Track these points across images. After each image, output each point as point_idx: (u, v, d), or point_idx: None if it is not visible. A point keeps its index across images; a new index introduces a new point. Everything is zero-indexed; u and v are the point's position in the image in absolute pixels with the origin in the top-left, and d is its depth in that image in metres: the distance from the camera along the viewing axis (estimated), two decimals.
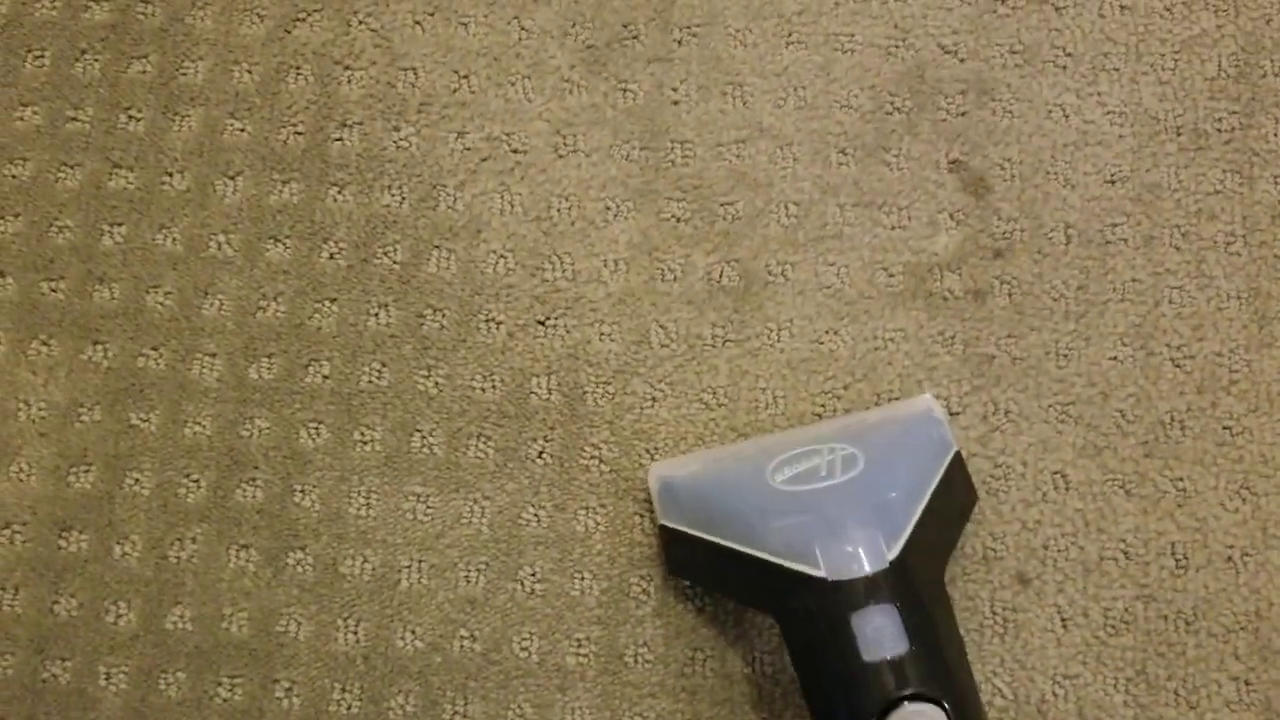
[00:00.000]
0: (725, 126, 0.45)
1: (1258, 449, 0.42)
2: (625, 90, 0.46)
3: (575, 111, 0.46)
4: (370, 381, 0.44)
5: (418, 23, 0.47)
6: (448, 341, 0.44)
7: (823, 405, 0.43)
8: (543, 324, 0.44)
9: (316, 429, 0.43)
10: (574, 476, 0.43)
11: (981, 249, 0.44)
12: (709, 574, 0.40)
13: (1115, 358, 0.43)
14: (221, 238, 0.45)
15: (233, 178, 0.45)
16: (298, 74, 0.46)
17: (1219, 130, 0.45)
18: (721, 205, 0.45)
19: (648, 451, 0.43)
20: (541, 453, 0.43)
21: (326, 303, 0.44)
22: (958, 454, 0.39)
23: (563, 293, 0.44)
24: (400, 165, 0.45)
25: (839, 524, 0.34)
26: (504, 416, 0.43)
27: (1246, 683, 0.41)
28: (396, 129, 0.46)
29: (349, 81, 0.46)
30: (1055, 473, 0.42)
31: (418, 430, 0.43)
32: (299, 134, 0.46)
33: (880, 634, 0.32)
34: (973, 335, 0.43)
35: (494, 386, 0.43)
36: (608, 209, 0.45)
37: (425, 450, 0.43)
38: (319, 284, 0.44)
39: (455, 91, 0.46)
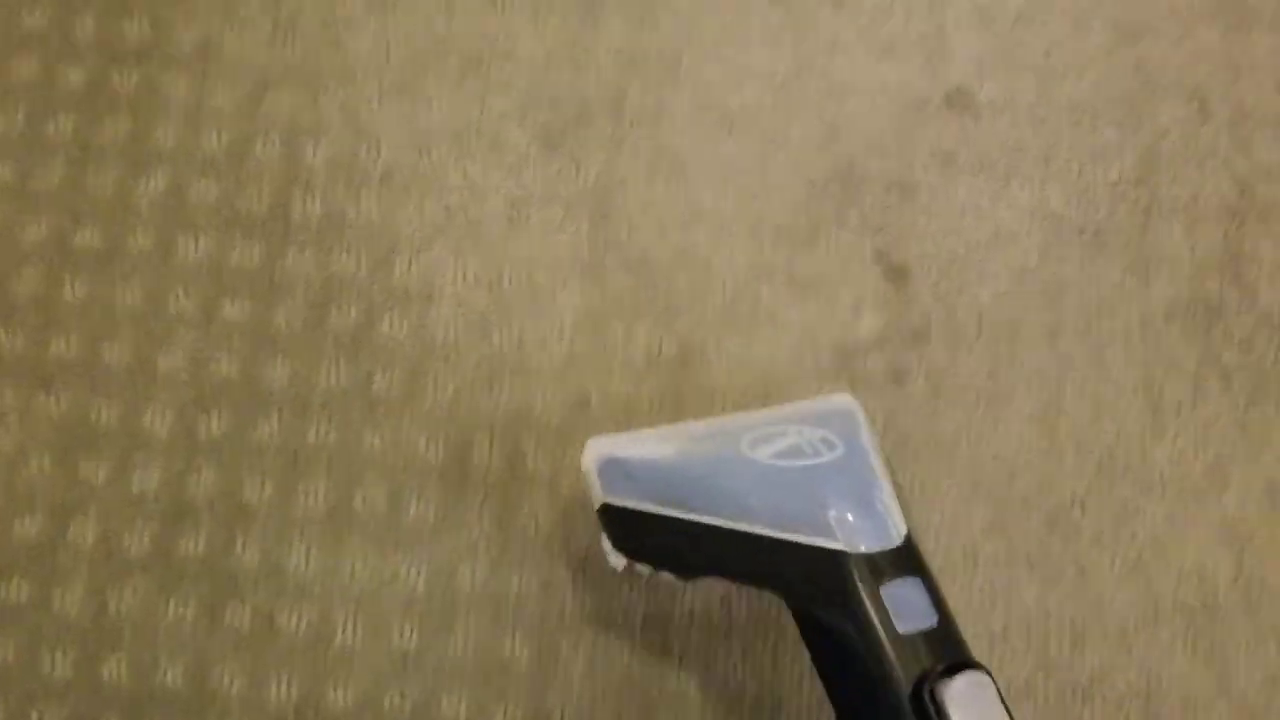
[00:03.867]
0: (669, 208, 0.48)
1: (1150, 530, 0.45)
2: (578, 170, 0.49)
3: (530, 188, 0.48)
4: (317, 438, 0.45)
5: (383, 99, 0.49)
6: (394, 401, 0.46)
7: None
8: (488, 388, 0.46)
9: (262, 483, 0.45)
10: (511, 538, 0.44)
11: (902, 334, 0.47)
12: (678, 552, 0.38)
13: (1021, 441, 0.46)
14: (180, 292, 0.47)
15: (196, 236, 0.47)
16: (265, 139, 0.49)
17: (1119, 232, 0.49)
18: (663, 282, 0.47)
19: (583, 516, 0.45)
20: (480, 514, 0.44)
21: (280, 358, 0.46)
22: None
23: (508, 358, 0.46)
24: (359, 230, 0.48)
25: (852, 497, 0.34)
26: (445, 476, 0.45)
27: None
28: (358, 197, 0.48)
29: (314, 150, 0.48)
30: (964, 548, 0.45)
31: (360, 487, 0.45)
32: (263, 197, 0.48)
33: (912, 606, 0.32)
34: (892, 414, 0.46)
35: (437, 446, 0.45)
36: (556, 280, 0.47)
37: (367, 507, 0.44)
38: (272, 341, 0.46)
39: (416, 165, 0.49)
